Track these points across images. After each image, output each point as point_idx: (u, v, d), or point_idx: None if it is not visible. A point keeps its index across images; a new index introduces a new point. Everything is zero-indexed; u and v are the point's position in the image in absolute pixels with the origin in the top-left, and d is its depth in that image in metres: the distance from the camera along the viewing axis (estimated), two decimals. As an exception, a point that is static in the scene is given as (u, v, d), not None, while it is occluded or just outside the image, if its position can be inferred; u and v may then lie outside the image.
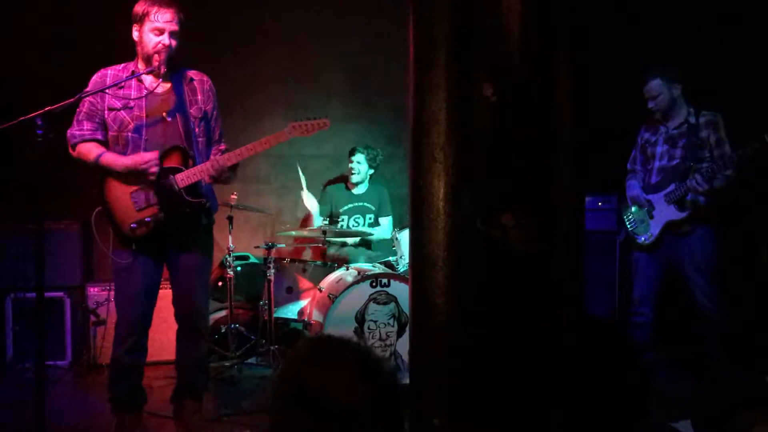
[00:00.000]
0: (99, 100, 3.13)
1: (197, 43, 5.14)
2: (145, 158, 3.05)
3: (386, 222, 5.24)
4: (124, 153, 3.11)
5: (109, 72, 3.17)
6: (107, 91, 3.09)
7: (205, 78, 3.31)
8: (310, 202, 4.98)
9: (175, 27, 3.09)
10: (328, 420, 1.22)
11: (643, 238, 4.16)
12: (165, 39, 3.07)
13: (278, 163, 5.65)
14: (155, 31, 3.06)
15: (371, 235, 5.11)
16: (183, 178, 3.09)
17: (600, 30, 4.74)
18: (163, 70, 3.11)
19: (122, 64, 3.20)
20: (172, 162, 3.11)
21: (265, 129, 5.58)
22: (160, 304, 3.31)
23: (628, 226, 4.26)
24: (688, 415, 3.37)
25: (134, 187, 3.09)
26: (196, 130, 3.20)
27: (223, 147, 3.35)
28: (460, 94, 1.70)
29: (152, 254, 3.16)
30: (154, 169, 3.05)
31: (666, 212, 4.05)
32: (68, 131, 3.17)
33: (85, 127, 3.14)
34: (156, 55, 3.07)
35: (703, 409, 3.59)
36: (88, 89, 3.14)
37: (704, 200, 3.99)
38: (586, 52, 2.08)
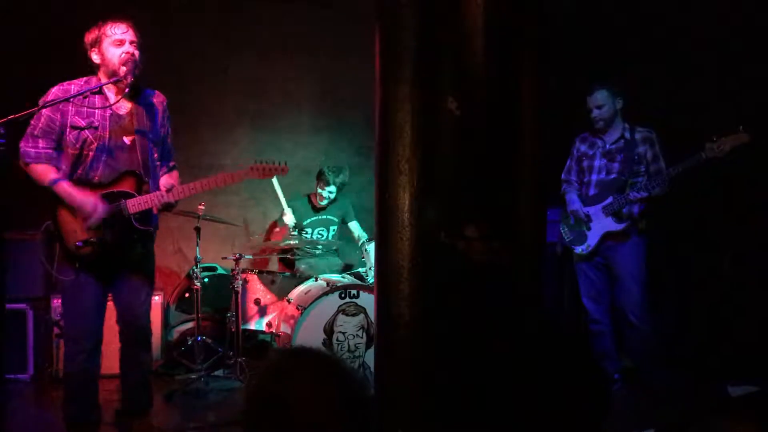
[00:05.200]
0: (58, 117, 3.02)
1: (167, 54, 5.15)
2: (94, 207, 2.99)
3: (355, 225, 5.25)
4: (83, 173, 3.05)
5: (72, 87, 3.06)
6: (71, 107, 3.01)
7: (163, 98, 3.28)
8: (289, 218, 4.97)
9: (133, 37, 3.05)
10: (299, 431, 1.22)
11: (580, 249, 4.30)
12: (128, 47, 3.03)
13: (247, 173, 5.62)
14: (115, 43, 3.02)
15: (336, 245, 5.12)
16: (134, 204, 3.06)
17: (565, 34, 4.85)
18: (130, 79, 3.02)
19: (84, 78, 3.11)
20: (126, 186, 3.07)
21: (234, 141, 5.61)
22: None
23: (565, 238, 4.39)
24: (652, 423, 3.42)
25: None
26: (155, 155, 3.20)
27: (172, 164, 3.36)
28: (425, 108, 1.73)
29: (97, 271, 3.10)
30: (92, 222, 3.01)
31: (603, 223, 4.19)
32: (22, 145, 3.04)
33: (40, 146, 3.03)
34: (123, 67, 3.01)
35: (667, 418, 3.64)
36: (47, 102, 3.01)
37: (637, 211, 4.16)
38: (552, 59, 2.13)
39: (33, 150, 3.03)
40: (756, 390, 3.80)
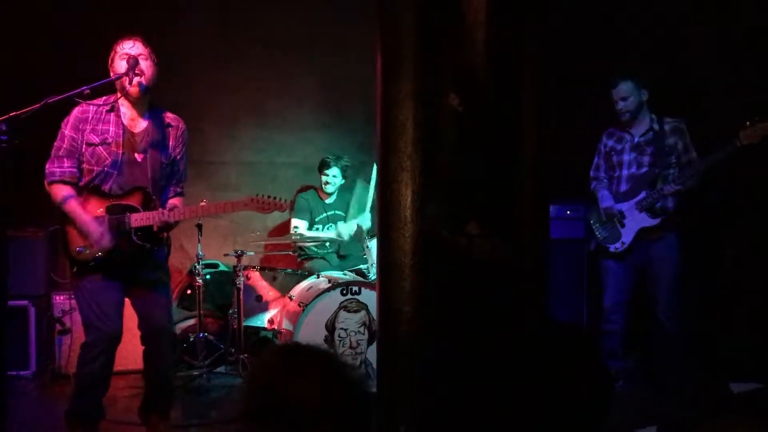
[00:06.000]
0: (80, 136, 3.14)
1: (169, 51, 5.13)
2: (99, 238, 3.06)
3: (363, 219, 5.25)
4: (94, 185, 3.15)
5: (90, 108, 3.16)
6: (87, 126, 3.13)
7: (181, 124, 3.36)
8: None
9: (142, 51, 3.15)
10: (297, 428, 1.21)
11: (614, 247, 4.18)
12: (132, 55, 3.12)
13: (248, 170, 5.63)
14: (122, 57, 3.13)
15: (341, 240, 5.12)
16: (137, 219, 3.14)
17: (567, 32, 4.82)
18: (131, 77, 3.10)
19: (103, 98, 3.20)
20: (133, 201, 3.17)
21: (235, 138, 5.60)
22: (125, 313, 3.27)
23: (598, 236, 4.27)
24: (655, 421, 3.41)
25: (96, 214, 3.13)
26: (161, 173, 3.27)
27: (179, 189, 3.41)
28: (427, 104, 1.72)
29: (105, 276, 3.15)
30: (96, 250, 3.08)
31: (638, 219, 4.09)
32: (48, 167, 3.16)
33: (65, 165, 3.14)
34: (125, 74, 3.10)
35: (669, 416, 3.64)
36: (69, 123, 3.14)
37: (673, 206, 4.05)
38: (553, 56, 2.12)
39: (58, 170, 3.15)
40: (759, 387, 3.80)
